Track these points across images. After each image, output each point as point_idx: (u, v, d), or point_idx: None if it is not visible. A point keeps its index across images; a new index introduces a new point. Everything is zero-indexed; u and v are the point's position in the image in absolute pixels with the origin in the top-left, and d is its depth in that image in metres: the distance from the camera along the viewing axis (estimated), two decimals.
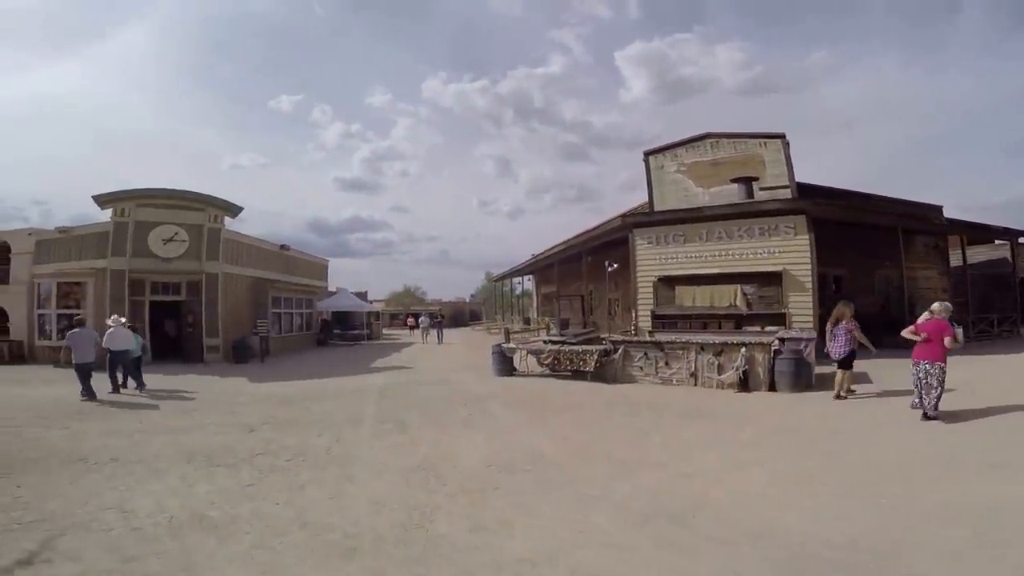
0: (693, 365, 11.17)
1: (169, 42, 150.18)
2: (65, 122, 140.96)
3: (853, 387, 9.58)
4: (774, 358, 10.45)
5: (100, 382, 11.10)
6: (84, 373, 10.85)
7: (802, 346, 10.78)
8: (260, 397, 11.18)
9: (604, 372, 12.10)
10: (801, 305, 14.16)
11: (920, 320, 7.82)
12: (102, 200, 17.99)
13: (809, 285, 14.15)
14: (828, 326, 9.62)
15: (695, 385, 11.06)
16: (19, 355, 18.21)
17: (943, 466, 5.64)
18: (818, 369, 10.96)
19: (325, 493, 5.18)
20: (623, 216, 17.62)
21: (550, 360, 12.90)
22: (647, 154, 18.86)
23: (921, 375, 7.42)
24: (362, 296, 36.88)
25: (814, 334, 11.68)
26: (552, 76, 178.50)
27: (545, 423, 8.24)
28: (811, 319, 13.82)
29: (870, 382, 10.70)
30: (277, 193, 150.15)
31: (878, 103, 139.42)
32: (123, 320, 12.72)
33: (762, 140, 17.36)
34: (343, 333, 30.86)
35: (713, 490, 5.07)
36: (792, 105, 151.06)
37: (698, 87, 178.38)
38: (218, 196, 19.53)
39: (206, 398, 11.08)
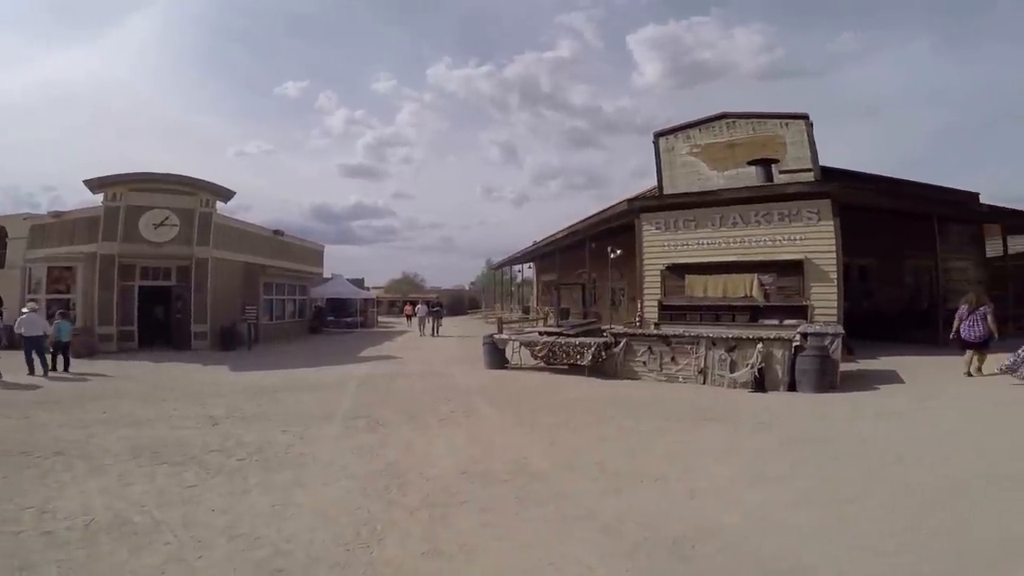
0: (703, 361, 10.33)
1: (175, 28, 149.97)
2: (75, 109, 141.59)
3: (982, 369, 10.14)
4: (795, 355, 9.64)
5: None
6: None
7: (827, 341, 9.90)
8: (236, 387, 10.58)
9: (604, 367, 11.30)
10: (825, 297, 13.04)
11: None
12: (94, 184, 17.53)
13: (834, 275, 13.07)
14: (961, 312, 10.26)
15: (704, 383, 10.19)
16: (11, 341, 17.58)
17: (1008, 481, 4.83)
18: (843, 367, 10.28)
19: (269, 500, 4.55)
20: (630, 200, 16.63)
21: (544, 353, 12.11)
22: (657, 135, 17.66)
23: None
24: (358, 283, 36.28)
25: (841, 328, 10.72)
26: (561, 61, 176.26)
27: (534, 424, 7.40)
28: (835, 312, 12.77)
29: (901, 381, 10.09)
30: (282, 180, 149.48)
31: (905, 90, 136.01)
32: (36, 307, 13.53)
33: (783, 120, 16.10)
34: (337, 320, 30.17)
35: (723, 512, 4.25)
36: (814, 90, 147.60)
37: (715, 71, 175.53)
38: (210, 180, 19.08)
39: (180, 387, 10.54)
